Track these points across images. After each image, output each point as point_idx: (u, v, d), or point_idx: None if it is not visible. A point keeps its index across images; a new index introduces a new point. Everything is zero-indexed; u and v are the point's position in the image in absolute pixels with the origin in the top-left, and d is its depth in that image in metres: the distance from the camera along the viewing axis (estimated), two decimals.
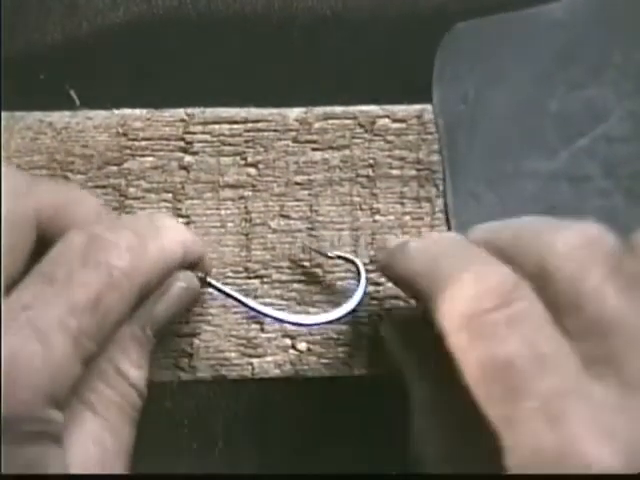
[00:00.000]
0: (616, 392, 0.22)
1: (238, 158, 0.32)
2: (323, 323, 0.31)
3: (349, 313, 0.31)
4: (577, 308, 0.23)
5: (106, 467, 0.26)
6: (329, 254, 0.32)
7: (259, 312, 0.31)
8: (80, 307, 0.24)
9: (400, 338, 0.30)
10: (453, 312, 0.23)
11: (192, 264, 0.29)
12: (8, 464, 0.22)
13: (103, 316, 0.25)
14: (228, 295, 0.30)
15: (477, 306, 0.23)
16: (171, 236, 0.28)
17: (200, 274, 0.29)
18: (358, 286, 0.31)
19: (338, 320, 0.31)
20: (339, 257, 0.32)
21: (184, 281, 0.28)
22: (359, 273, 0.31)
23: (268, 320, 0.32)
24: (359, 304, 0.31)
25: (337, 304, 0.32)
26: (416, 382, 0.28)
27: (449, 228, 0.32)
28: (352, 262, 0.32)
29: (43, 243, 0.27)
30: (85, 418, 0.26)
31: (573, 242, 0.24)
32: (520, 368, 0.22)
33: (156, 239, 0.27)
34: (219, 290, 0.30)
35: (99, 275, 0.25)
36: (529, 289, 0.23)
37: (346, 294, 0.32)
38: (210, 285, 0.30)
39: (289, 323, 0.31)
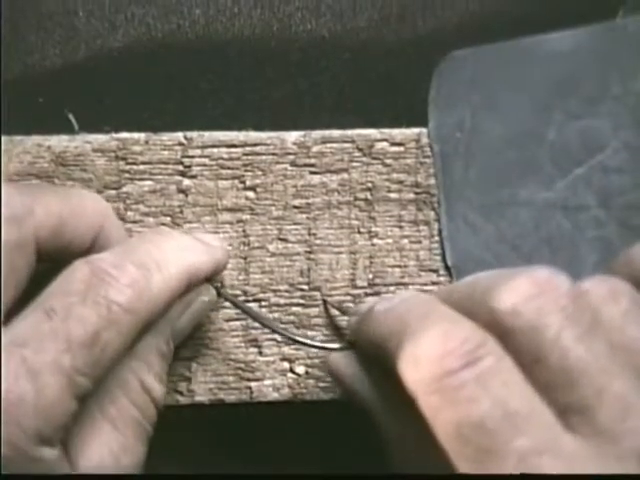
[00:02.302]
0: (591, 443, 0.22)
1: (236, 182, 0.32)
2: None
3: None
4: (539, 360, 0.22)
5: None
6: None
7: (281, 333, 0.32)
8: (77, 344, 0.24)
9: (368, 373, 0.29)
10: (419, 375, 0.23)
11: (209, 277, 0.29)
12: None
13: (101, 352, 0.24)
14: (242, 309, 0.31)
15: (443, 367, 0.22)
16: (179, 262, 0.28)
17: (216, 285, 0.30)
18: None
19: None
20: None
21: (206, 295, 0.29)
22: None
23: (267, 343, 0.32)
24: None
25: (335, 327, 0.32)
26: (389, 417, 0.28)
27: (444, 253, 0.32)
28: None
29: (45, 258, 0.27)
30: (104, 430, 0.26)
31: (523, 293, 0.23)
32: (492, 429, 0.21)
33: (162, 270, 0.27)
34: (233, 302, 0.31)
35: (98, 311, 0.25)
36: (495, 344, 0.23)
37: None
38: (225, 298, 0.31)
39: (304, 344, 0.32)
